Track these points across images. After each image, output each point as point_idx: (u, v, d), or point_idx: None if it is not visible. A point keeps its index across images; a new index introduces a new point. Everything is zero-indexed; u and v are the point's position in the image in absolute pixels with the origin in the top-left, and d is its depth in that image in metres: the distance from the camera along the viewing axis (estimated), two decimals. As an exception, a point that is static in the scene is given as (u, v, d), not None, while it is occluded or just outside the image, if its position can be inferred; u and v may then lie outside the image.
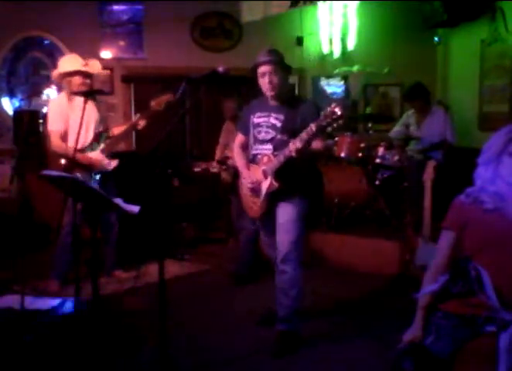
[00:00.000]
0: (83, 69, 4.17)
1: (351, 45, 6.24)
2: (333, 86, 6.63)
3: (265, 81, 3.17)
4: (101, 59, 6.03)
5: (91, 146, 4.25)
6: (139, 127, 4.33)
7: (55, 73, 4.27)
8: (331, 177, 5.27)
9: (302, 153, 2.94)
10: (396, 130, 5.72)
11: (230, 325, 3.70)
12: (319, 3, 6.07)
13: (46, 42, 6.03)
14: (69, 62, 4.22)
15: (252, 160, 3.36)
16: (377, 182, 5.54)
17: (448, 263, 2.12)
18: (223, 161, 4.78)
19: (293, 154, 2.96)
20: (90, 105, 4.25)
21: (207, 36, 6.34)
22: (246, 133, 3.43)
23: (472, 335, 1.95)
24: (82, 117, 3.55)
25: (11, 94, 6.09)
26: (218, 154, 4.94)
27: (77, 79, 4.15)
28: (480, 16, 5.67)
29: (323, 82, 6.60)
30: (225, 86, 4.86)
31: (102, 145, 4.28)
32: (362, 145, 5.47)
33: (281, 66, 3.19)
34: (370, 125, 5.85)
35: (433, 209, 4.02)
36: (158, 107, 4.18)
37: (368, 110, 6.54)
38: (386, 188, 5.56)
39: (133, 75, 6.23)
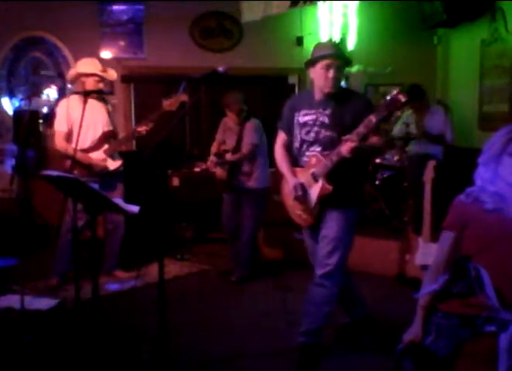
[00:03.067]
0: (101, 74, 4.28)
1: (351, 45, 6.23)
2: (333, 86, 6.62)
3: (328, 76, 2.88)
4: (101, 59, 6.05)
5: (98, 146, 4.27)
6: (142, 131, 4.31)
7: (72, 73, 4.37)
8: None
9: (357, 152, 2.71)
10: (397, 128, 5.74)
11: (230, 324, 3.70)
12: (319, 3, 6.07)
13: (46, 42, 6.02)
14: (88, 64, 4.31)
15: (298, 163, 3.10)
16: (377, 182, 5.55)
17: (449, 263, 2.12)
18: (222, 154, 4.70)
19: (347, 154, 2.72)
20: (98, 106, 4.33)
21: (207, 36, 6.34)
22: (289, 132, 3.14)
23: (472, 335, 1.95)
24: (82, 117, 3.55)
25: (11, 94, 6.09)
26: (213, 151, 4.82)
27: (91, 81, 4.24)
28: (480, 16, 5.66)
29: (323, 82, 6.59)
30: (224, 86, 4.85)
31: (105, 146, 4.30)
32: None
33: (344, 62, 2.99)
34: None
35: (433, 209, 4.02)
36: (170, 107, 4.14)
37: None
38: (386, 188, 5.56)
39: (133, 75, 6.23)
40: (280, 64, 6.44)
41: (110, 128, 4.40)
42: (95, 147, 4.28)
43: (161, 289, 2.66)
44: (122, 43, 6.17)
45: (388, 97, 2.64)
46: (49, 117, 4.43)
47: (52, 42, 6.02)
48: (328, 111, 2.95)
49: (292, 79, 6.62)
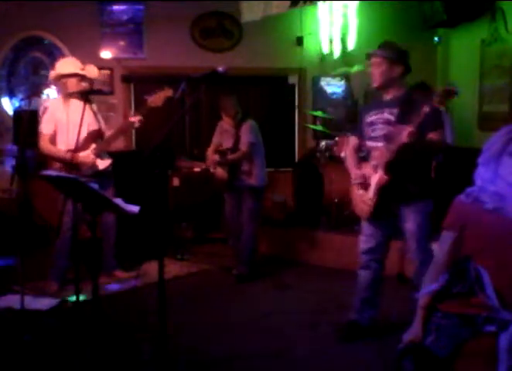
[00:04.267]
0: (81, 72, 4.23)
1: (351, 45, 6.23)
2: (333, 86, 6.63)
3: (371, 73, 3.21)
4: (101, 59, 6.05)
5: (85, 146, 4.25)
6: (135, 126, 4.31)
7: (52, 74, 4.33)
8: (331, 177, 5.27)
9: (415, 139, 2.89)
10: None
11: (230, 324, 3.70)
12: (319, 3, 6.07)
13: (46, 42, 6.02)
14: (67, 64, 4.27)
15: (364, 158, 3.30)
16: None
17: (449, 263, 2.11)
18: (224, 152, 4.69)
19: (405, 139, 2.90)
20: (82, 106, 4.22)
21: (207, 36, 6.33)
22: (359, 135, 3.38)
23: (472, 335, 1.95)
24: (82, 119, 3.55)
25: (11, 94, 6.09)
26: (209, 155, 4.85)
27: (73, 81, 4.21)
28: (480, 16, 5.66)
29: (323, 82, 6.60)
30: (224, 86, 4.85)
31: (93, 145, 4.28)
32: (362, 145, 5.47)
33: (389, 60, 3.18)
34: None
35: (433, 209, 4.02)
36: (155, 103, 4.13)
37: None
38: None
39: (133, 75, 6.23)
40: (280, 64, 6.44)
41: (96, 128, 4.35)
42: (82, 147, 4.23)
43: (161, 289, 2.66)
44: (122, 43, 6.17)
45: (442, 88, 2.95)
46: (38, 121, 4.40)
47: (52, 42, 6.02)
48: (395, 110, 3.13)
49: (292, 79, 6.62)
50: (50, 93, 6.01)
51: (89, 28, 6.04)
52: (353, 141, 3.48)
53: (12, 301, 3.39)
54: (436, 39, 6.56)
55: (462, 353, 1.95)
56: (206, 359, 3.15)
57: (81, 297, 3.04)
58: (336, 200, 5.20)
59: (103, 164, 4.30)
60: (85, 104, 3.51)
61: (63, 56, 5.99)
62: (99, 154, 4.29)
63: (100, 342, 2.90)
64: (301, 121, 6.58)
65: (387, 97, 3.23)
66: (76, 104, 4.18)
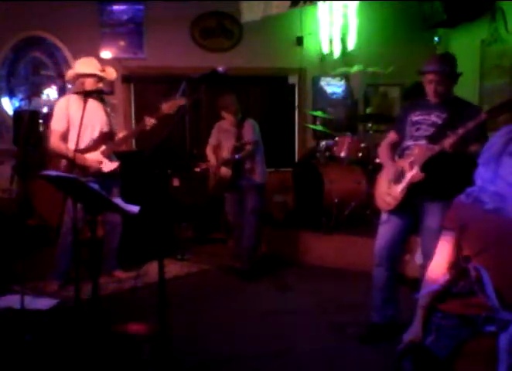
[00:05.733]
0: (100, 73, 4.25)
1: (351, 45, 6.23)
2: (333, 86, 6.63)
3: (431, 89, 3.15)
4: (101, 59, 6.05)
5: (95, 147, 4.25)
6: (147, 129, 4.31)
7: (70, 73, 4.32)
8: (331, 177, 5.27)
9: (456, 149, 2.91)
10: None
11: (231, 324, 3.70)
12: (319, 3, 6.07)
13: (46, 42, 6.03)
14: (86, 64, 4.28)
15: (400, 155, 3.28)
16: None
17: (449, 264, 2.12)
18: (241, 147, 4.62)
19: (448, 147, 2.91)
20: (97, 106, 4.30)
21: (207, 36, 6.34)
22: (399, 132, 3.34)
23: (472, 335, 1.95)
24: (83, 117, 3.55)
25: (11, 94, 6.09)
26: (210, 156, 4.84)
27: (91, 81, 4.21)
28: (480, 16, 5.66)
29: (323, 82, 6.60)
30: (225, 86, 4.86)
31: (103, 147, 4.29)
32: (362, 145, 5.48)
33: (448, 75, 3.15)
34: (370, 125, 5.85)
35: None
36: (169, 110, 4.12)
37: (368, 110, 6.54)
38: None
39: (133, 75, 6.24)
40: (280, 64, 6.44)
41: (108, 129, 4.36)
42: (92, 147, 4.24)
43: (161, 289, 2.66)
44: (122, 43, 6.17)
45: (500, 102, 2.92)
46: (49, 117, 4.39)
47: (52, 42, 6.02)
48: (444, 115, 3.13)
49: (292, 80, 6.63)
50: (50, 93, 6.02)
51: (89, 28, 6.04)
52: (391, 136, 3.44)
53: (12, 301, 3.38)
54: (436, 39, 6.56)
55: (462, 353, 1.95)
56: (206, 359, 3.15)
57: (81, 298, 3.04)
58: (336, 200, 5.19)
59: (108, 166, 4.27)
60: (85, 104, 3.49)
61: (62, 56, 6.02)
62: (108, 156, 4.30)
63: (100, 341, 2.90)
64: (301, 121, 6.59)
65: (436, 100, 3.20)
66: (92, 104, 4.18)
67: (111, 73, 4.40)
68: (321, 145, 5.62)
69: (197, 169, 5.44)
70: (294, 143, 6.68)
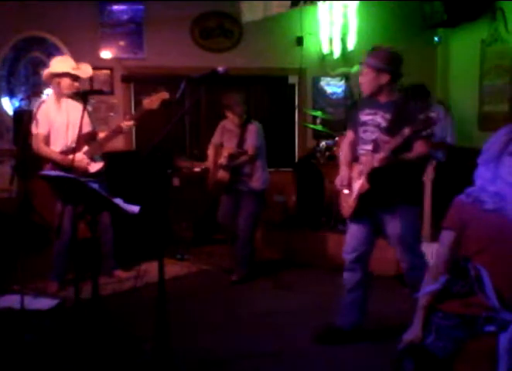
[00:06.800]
0: (72, 71, 4.16)
1: (351, 45, 6.23)
2: (333, 86, 6.63)
3: (360, 81, 3.18)
4: (101, 59, 6.05)
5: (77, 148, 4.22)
6: (125, 131, 4.26)
7: (45, 73, 4.27)
8: (331, 177, 5.26)
9: (388, 163, 2.93)
10: None
11: (230, 324, 3.70)
12: (319, 3, 6.06)
13: (46, 42, 6.02)
14: (59, 63, 4.22)
15: (356, 159, 3.29)
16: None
17: (449, 263, 2.12)
18: (236, 155, 4.58)
19: (378, 164, 2.96)
20: (76, 106, 4.19)
21: (207, 36, 6.33)
22: (354, 130, 3.33)
23: (472, 335, 1.95)
24: (84, 119, 3.54)
25: (11, 94, 6.09)
26: (211, 155, 4.81)
27: (66, 81, 4.15)
28: (480, 16, 5.66)
29: (323, 82, 6.60)
30: (225, 86, 4.85)
31: (86, 147, 4.23)
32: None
33: (375, 69, 3.11)
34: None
35: (433, 208, 4.02)
36: (151, 106, 4.06)
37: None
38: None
39: (133, 75, 6.23)
40: (280, 64, 6.43)
41: (89, 129, 4.28)
42: (75, 148, 4.21)
43: (161, 289, 2.66)
44: (122, 43, 6.17)
45: (423, 115, 2.84)
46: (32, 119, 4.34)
47: (52, 42, 6.01)
48: (388, 116, 3.10)
49: (292, 79, 6.62)
50: (50, 93, 6.01)
51: (89, 28, 6.03)
52: (349, 135, 3.42)
53: (12, 301, 3.38)
54: (436, 39, 6.56)
55: (462, 353, 1.95)
56: (206, 359, 3.15)
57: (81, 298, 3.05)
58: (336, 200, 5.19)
59: (94, 167, 4.22)
60: (85, 104, 3.47)
61: (62, 55, 6.01)
62: (92, 157, 4.24)
63: (101, 341, 2.90)
64: (301, 121, 6.58)
65: (381, 100, 3.17)
66: (71, 104, 4.14)
67: (86, 71, 4.28)
68: (321, 145, 5.62)
69: (197, 169, 5.45)
70: (294, 143, 6.68)
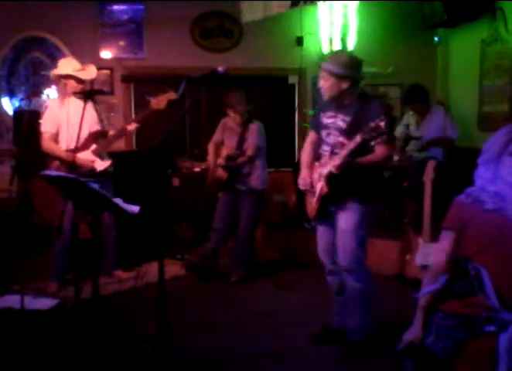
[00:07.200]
0: (75, 74, 4.21)
1: (351, 45, 6.22)
2: (333, 86, 6.62)
3: (320, 85, 3.18)
4: (101, 59, 6.05)
5: (85, 146, 4.25)
6: (131, 130, 4.29)
7: (52, 74, 4.33)
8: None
9: (345, 167, 2.94)
10: (399, 130, 5.75)
11: (230, 324, 3.70)
12: (319, 3, 6.06)
13: (46, 42, 6.02)
14: (64, 65, 4.27)
15: (318, 159, 3.30)
16: (377, 182, 5.53)
17: (449, 263, 2.12)
18: (234, 157, 4.61)
19: (335, 171, 2.97)
20: (86, 106, 4.24)
21: (207, 36, 6.33)
22: (317, 131, 3.33)
23: (472, 335, 1.95)
24: (82, 118, 3.55)
25: (11, 94, 6.09)
26: (211, 152, 4.80)
27: (72, 83, 4.21)
28: (480, 16, 5.66)
29: (323, 82, 6.59)
30: (225, 86, 4.84)
31: (94, 146, 4.27)
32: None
33: (335, 75, 3.08)
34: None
35: (433, 209, 4.02)
36: (158, 106, 4.11)
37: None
38: (386, 189, 5.55)
39: (133, 75, 6.23)
40: (280, 64, 6.43)
41: (98, 128, 4.33)
42: (83, 147, 4.22)
43: (161, 289, 2.66)
44: (122, 43, 6.17)
45: (373, 123, 2.82)
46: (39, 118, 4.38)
47: (52, 42, 6.01)
48: (348, 118, 3.10)
49: (292, 79, 6.62)
50: (50, 93, 6.01)
51: (89, 28, 6.03)
52: (311, 136, 3.42)
53: (12, 301, 3.38)
54: (436, 39, 6.56)
55: (462, 353, 1.95)
56: (206, 359, 3.15)
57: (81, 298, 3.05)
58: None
59: (101, 165, 4.26)
60: (85, 104, 3.49)
61: (62, 56, 6.01)
62: (99, 155, 4.28)
63: (100, 341, 2.90)
64: (301, 121, 6.58)
65: (342, 103, 3.16)
66: (78, 104, 4.17)
67: (91, 72, 4.33)
68: (321, 145, 5.61)
69: (197, 169, 5.45)
70: (294, 143, 6.68)
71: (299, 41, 6.34)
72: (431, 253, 3.57)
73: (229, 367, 3.11)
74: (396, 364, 2.09)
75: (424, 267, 3.79)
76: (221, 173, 4.64)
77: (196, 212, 5.72)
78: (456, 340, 1.97)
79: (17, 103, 6.03)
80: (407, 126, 5.62)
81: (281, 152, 6.43)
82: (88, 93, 3.81)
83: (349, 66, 3.09)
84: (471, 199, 2.05)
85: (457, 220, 2.09)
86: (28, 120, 4.04)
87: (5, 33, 5.91)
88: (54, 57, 5.98)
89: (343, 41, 6.24)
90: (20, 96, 6.02)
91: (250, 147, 4.57)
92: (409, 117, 5.64)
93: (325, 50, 6.34)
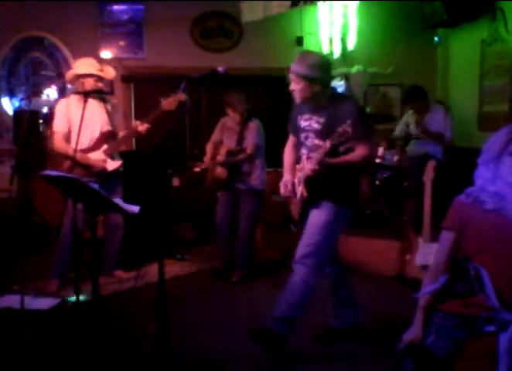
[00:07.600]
0: (98, 73, 4.26)
1: (351, 45, 6.23)
2: (333, 86, 6.62)
3: (291, 87, 3.11)
4: (101, 59, 6.05)
5: (97, 146, 4.26)
6: (142, 131, 4.30)
7: (69, 74, 4.35)
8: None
9: (320, 170, 2.96)
10: (399, 129, 5.77)
11: (230, 324, 3.70)
12: (319, 3, 6.06)
13: (46, 42, 6.02)
14: (85, 65, 4.29)
15: (298, 162, 3.29)
16: (377, 182, 5.54)
17: (449, 263, 2.12)
18: (235, 152, 4.60)
19: (310, 174, 3.00)
20: (97, 105, 4.31)
21: (207, 36, 6.34)
22: (295, 134, 3.32)
23: (472, 335, 1.95)
24: (82, 118, 3.56)
25: (11, 94, 6.09)
26: (209, 151, 4.79)
27: (90, 81, 4.23)
28: (480, 16, 5.66)
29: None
30: (225, 86, 4.84)
31: (105, 146, 4.29)
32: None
33: (303, 76, 3.02)
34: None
35: (433, 208, 4.02)
36: (169, 107, 4.14)
37: (368, 110, 6.53)
38: (386, 188, 5.56)
39: (133, 75, 6.23)
40: (280, 64, 6.40)
41: (109, 128, 4.36)
42: (94, 147, 4.26)
43: (161, 289, 2.66)
44: (122, 43, 6.17)
45: (340, 128, 2.82)
46: (49, 117, 4.41)
47: (52, 42, 6.01)
48: (322, 119, 3.09)
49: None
50: (50, 93, 6.02)
51: (89, 28, 6.04)
52: (291, 139, 3.41)
53: (12, 301, 3.38)
54: (436, 39, 6.56)
55: (462, 353, 1.95)
56: (207, 359, 3.15)
57: (81, 297, 3.04)
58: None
59: (112, 165, 4.30)
60: (104, 104, 3.49)
61: (62, 56, 6.02)
62: (110, 155, 4.31)
63: (101, 341, 2.90)
64: (301, 121, 6.58)
65: (315, 105, 3.14)
66: (92, 104, 4.18)
67: (110, 73, 4.41)
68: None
69: (197, 169, 5.45)
70: (294, 143, 6.68)
71: (299, 41, 6.34)
72: (431, 253, 3.58)
73: (229, 367, 3.11)
74: (396, 364, 2.09)
75: (424, 267, 3.79)
76: (220, 172, 4.63)
77: (196, 212, 5.72)
78: (456, 340, 1.97)
79: (17, 103, 6.04)
80: (407, 125, 5.63)
81: (280, 152, 6.42)
82: (86, 93, 3.80)
83: (318, 67, 3.03)
84: (471, 199, 2.05)
85: (457, 220, 2.09)
86: (28, 120, 4.06)
87: (5, 33, 5.91)
88: (54, 57, 5.99)
89: (343, 41, 6.24)
90: (20, 96, 6.02)
91: (249, 145, 4.57)
92: (409, 116, 5.66)
93: (326, 50, 6.35)
